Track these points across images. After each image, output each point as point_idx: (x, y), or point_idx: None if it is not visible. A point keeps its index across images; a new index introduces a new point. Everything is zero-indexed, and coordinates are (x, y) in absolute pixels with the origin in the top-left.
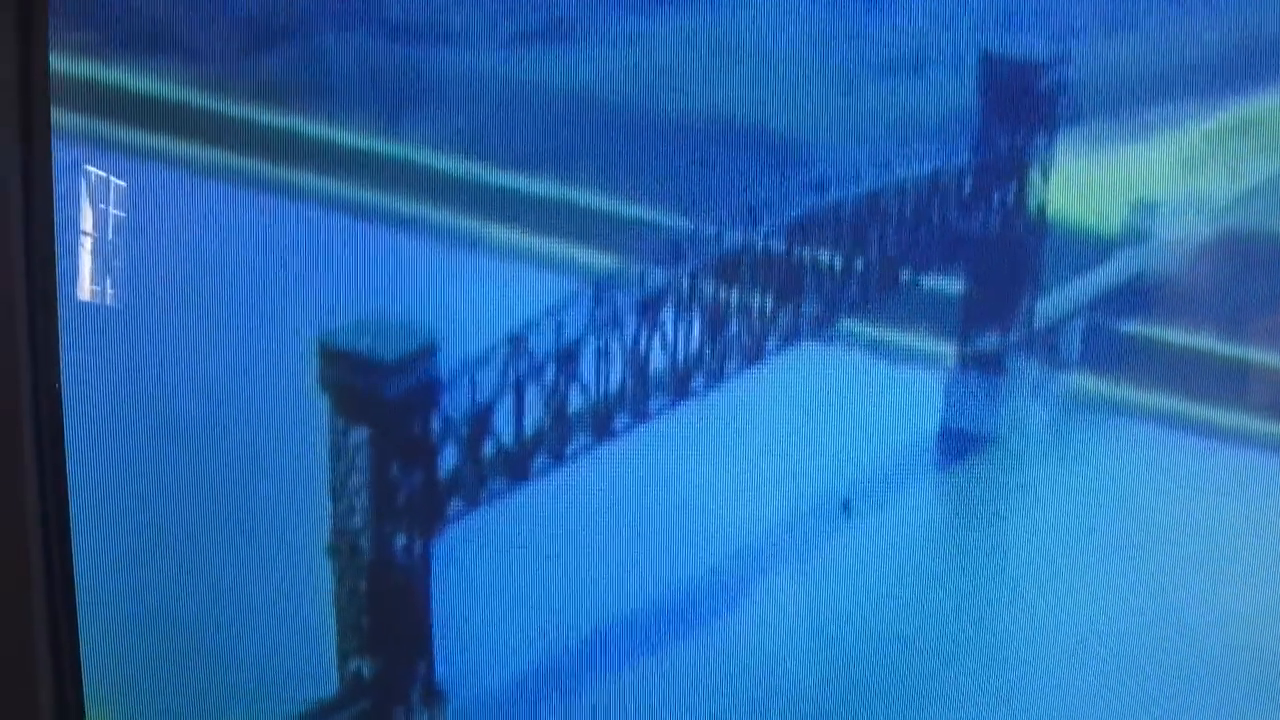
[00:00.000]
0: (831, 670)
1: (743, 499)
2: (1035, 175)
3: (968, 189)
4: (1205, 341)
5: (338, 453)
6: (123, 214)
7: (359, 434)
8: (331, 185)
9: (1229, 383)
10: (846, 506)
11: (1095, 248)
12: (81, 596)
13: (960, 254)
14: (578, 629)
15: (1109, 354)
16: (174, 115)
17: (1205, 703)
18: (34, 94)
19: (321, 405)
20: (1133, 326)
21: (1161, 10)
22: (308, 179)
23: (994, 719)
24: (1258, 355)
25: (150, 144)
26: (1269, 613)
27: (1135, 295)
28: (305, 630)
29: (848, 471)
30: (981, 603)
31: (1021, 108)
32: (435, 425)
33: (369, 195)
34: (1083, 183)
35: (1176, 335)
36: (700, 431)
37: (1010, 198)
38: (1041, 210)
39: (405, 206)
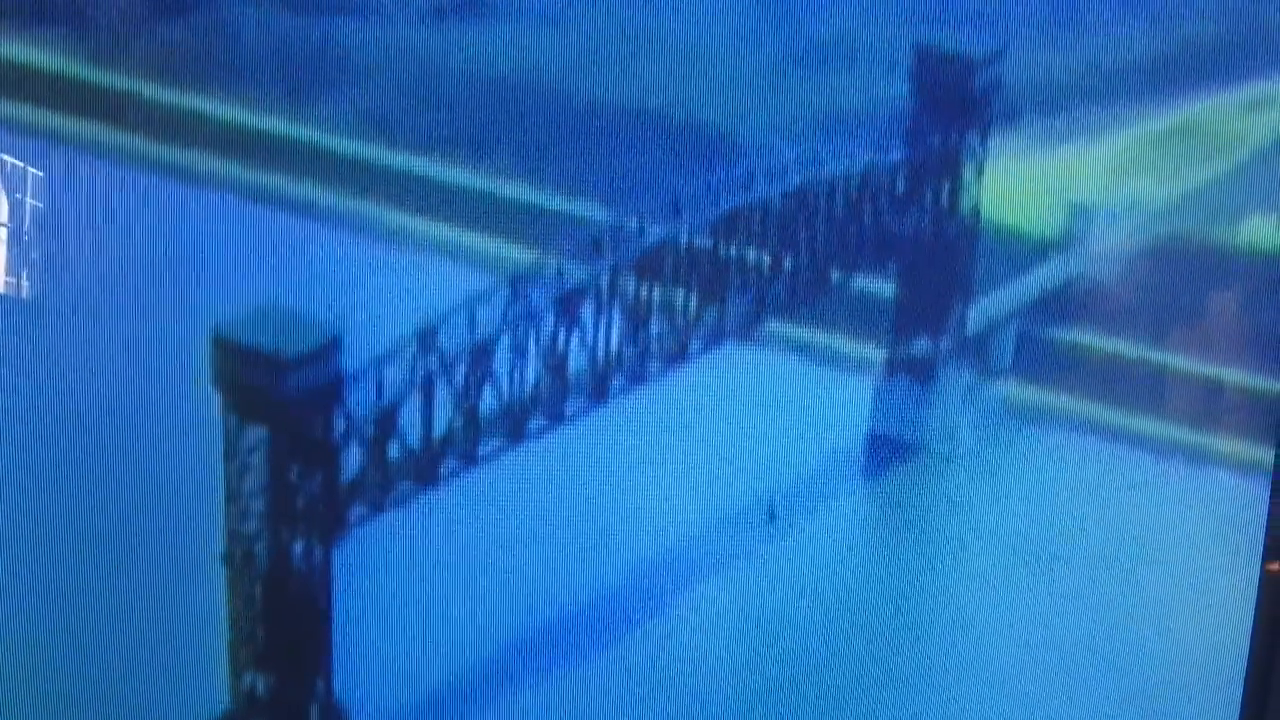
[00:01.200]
0: (755, 680)
1: (664, 506)
2: (969, 175)
3: (900, 188)
4: (1136, 350)
5: (231, 453)
6: (4, 192)
7: (255, 433)
8: (230, 167)
9: (1159, 392)
10: (772, 514)
11: (1028, 252)
12: None
13: (892, 255)
14: (489, 643)
15: (1040, 361)
16: (61, 90)
17: (1131, 704)
18: None
19: (214, 403)
20: (1064, 333)
21: (1100, 10)
22: (204, 160)
23: None
24: (1188, 364)
25: (35, 120)
26: (1191, 616)
27: (1067, 301)
28: (195, 643)
29: (773, 478)
30: (909, 610)
31: (955, 105)
32: (337, 425)
33: (270, 179)
34: (1017, 184)
35: (1108, 343)
36: (619, 435)
37: (943, 198)
38: (975, 212)
39: (309, 191)
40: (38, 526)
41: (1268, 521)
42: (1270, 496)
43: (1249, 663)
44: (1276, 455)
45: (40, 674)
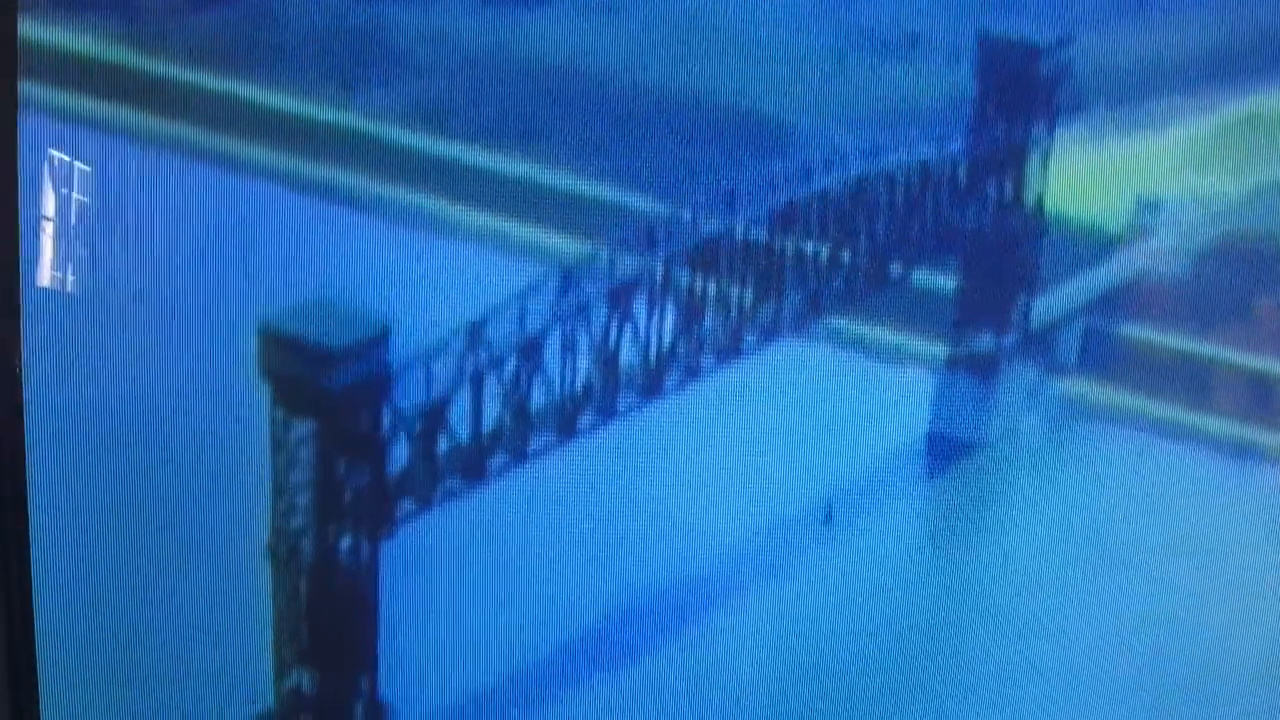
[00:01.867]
0: (808, 688)
1: (718, 505)
2: (1034, 166)
3: (962, 179)
4: (1207, 347)
5: (278, 446)
6: (53, 186)
7: (302, 427)
8: (277, 157)
9: (1230, 391)
10: (829, 515)
11: (1095, 245)
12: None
13: (953, 248)
14: (537, 642)
15: (1107, 358)
16: (106, 77)
17: (1189, 705)
18: None
19: (263, 395)
20: (1133, 330)
21: (1167, 0)
22: (250, 149)
23: None
24: (1261, 363)
25: (80, 108)
26: (1266, 624)
27: (1136, 297)
28: (240, 639)
29: (830, 478)
30: (970, 617)
31: (1020, 94)
32: (385, 419)
33: (318, 169)
34: (1083, 176)
35: (1178, 340)
36: (673, 432)
37: (1007, 190)
38: (1040, 204)
39: (358, 181)
40: (84, 521)
41: None
42: None
43: None
44: None
45: (87, 667)
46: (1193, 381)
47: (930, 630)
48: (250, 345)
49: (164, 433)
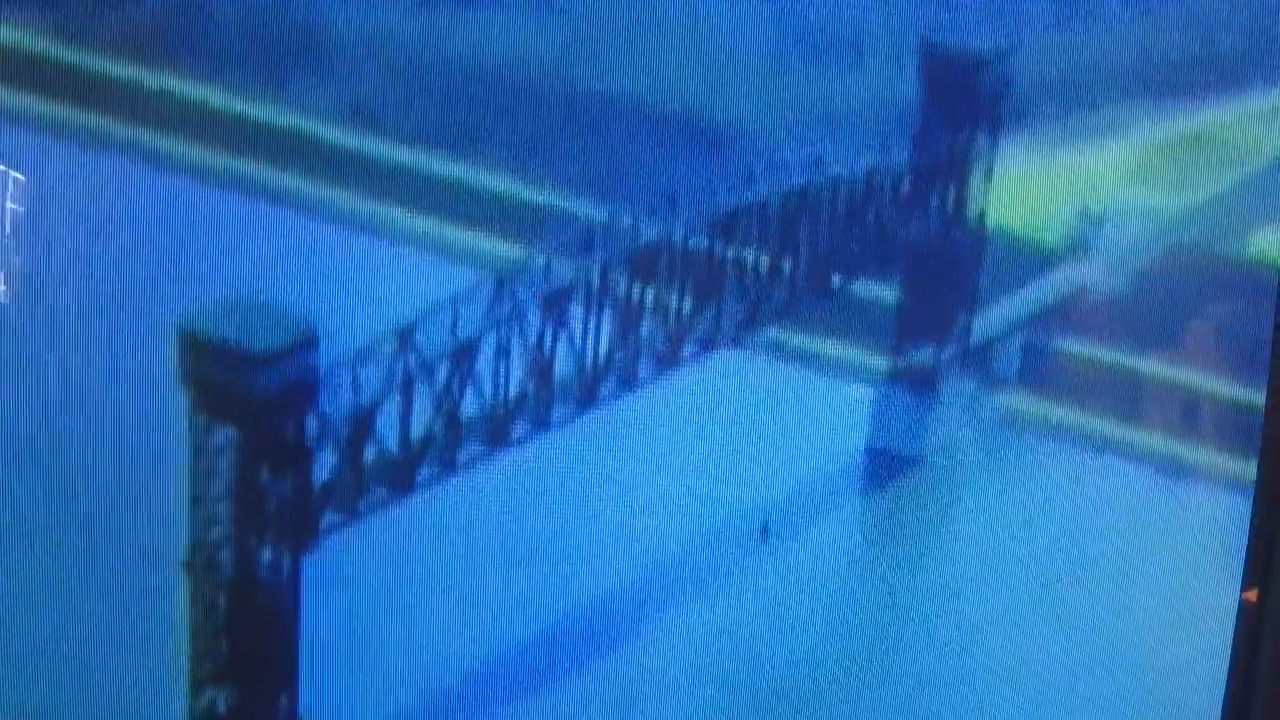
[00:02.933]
0: (743, 708)
1: (651, 519)
2: (976, 178)
3: (905, 190)
4: (1147, 364)
5: (198, 455)
6: None
7: (223, 434)
8: (202, 153)
9: (1169, 408)
10: (764, 530)
11: (1036, 259)
12: None
13: (895, 260)
14: (461, 660)
15: (1046, 373)
16: (23, 67)
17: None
18: None
19: (181, 401)
20: (1073, 345)
21: (1115, 10)
22: (175, 144)
23: None
24: (1198, 380)
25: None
26: (1202, 642)
27: (1077, 312)
28: (154, 655)
29: (767, 492)
30: (910, 635)
31: (964, 104)
32: (310, 426)
33: (244, 166)
34: (1026, 189)
35: (1117, 356)
36: (607, 443)
37: (950, 202)
38: (982, 217)
39: (285, 180)
40: None
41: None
42: (1251, 519)
43: (1227, 686)
44: (1258, 475)
45: None
46: (1132, 398)
47: (869, 649)
48: (170, 348)
49: (75, 441)
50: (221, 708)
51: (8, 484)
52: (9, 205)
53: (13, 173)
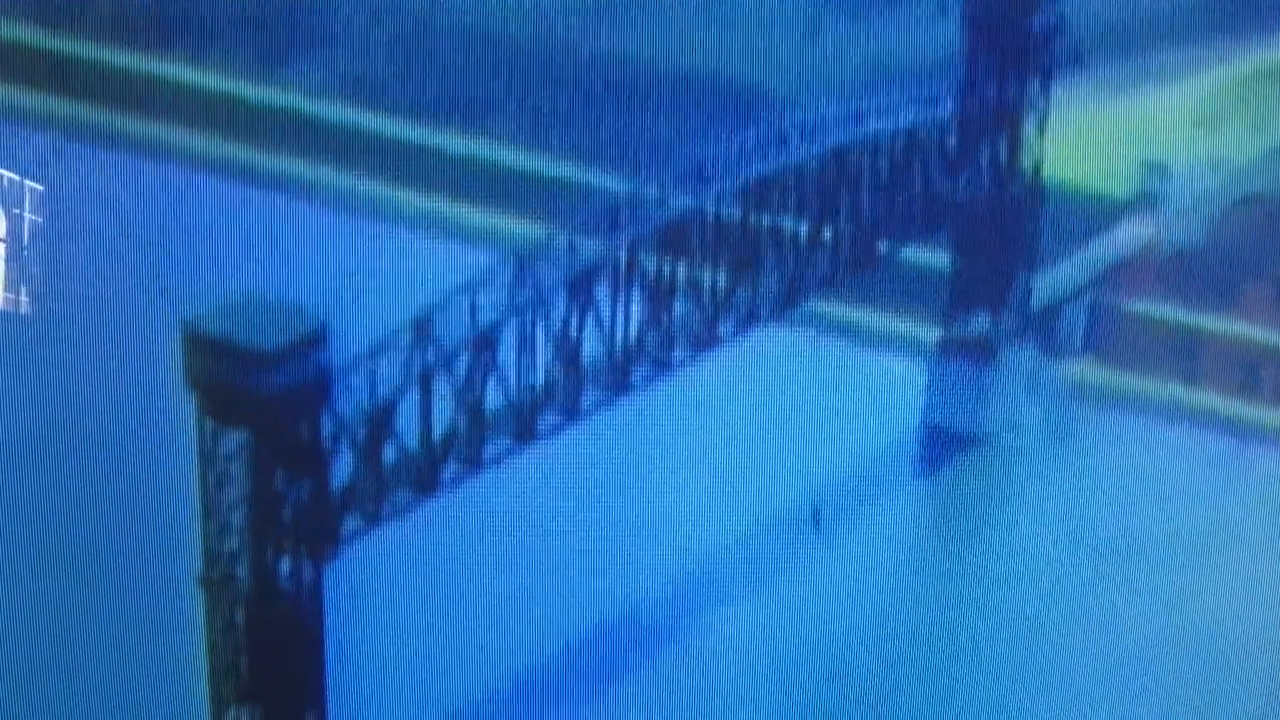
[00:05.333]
0: (799, 708)
1: (694, 512)
2: (1030, 130)
3: (952, 146)
4: (1224, 324)
5: (208, 461)
6: None
7: (234, 438)
8: (198, 139)
9: (1251, 370)
10: (816, 518)
11: (1099, 216)
12: None
13: (945, 222)
14: (499, 670)
15: (1115, 338)
16: (15, 59)
17: (1218, 712)
18: None
19: (189, 405)
20: (1142, 307)
21: None
22: (170, 132)
23: None
24: (1276, 339)
25: None
26: (1275, 606)
27: (1145, 271)
28: (171, 674)
29: (816, 478)
30: (973, 621)
31: (1014, 49)
32: (326, 427)
33: (243, 151)
34: (1084, 139)
35: (1191, 317)
36: (642, 432)
37: (1002, 156)
38: (1037, 171)
39: (287, 165)
40: (7, 564)
41: None
42: None
43: None
44: None
45: (5, 715)
46: (1209, 361)
47: (931, 637)
48: (174, 348)
49: (81, 450)
50: None
51: (20, 498)
52: (28, 216)
53: (29, 183)
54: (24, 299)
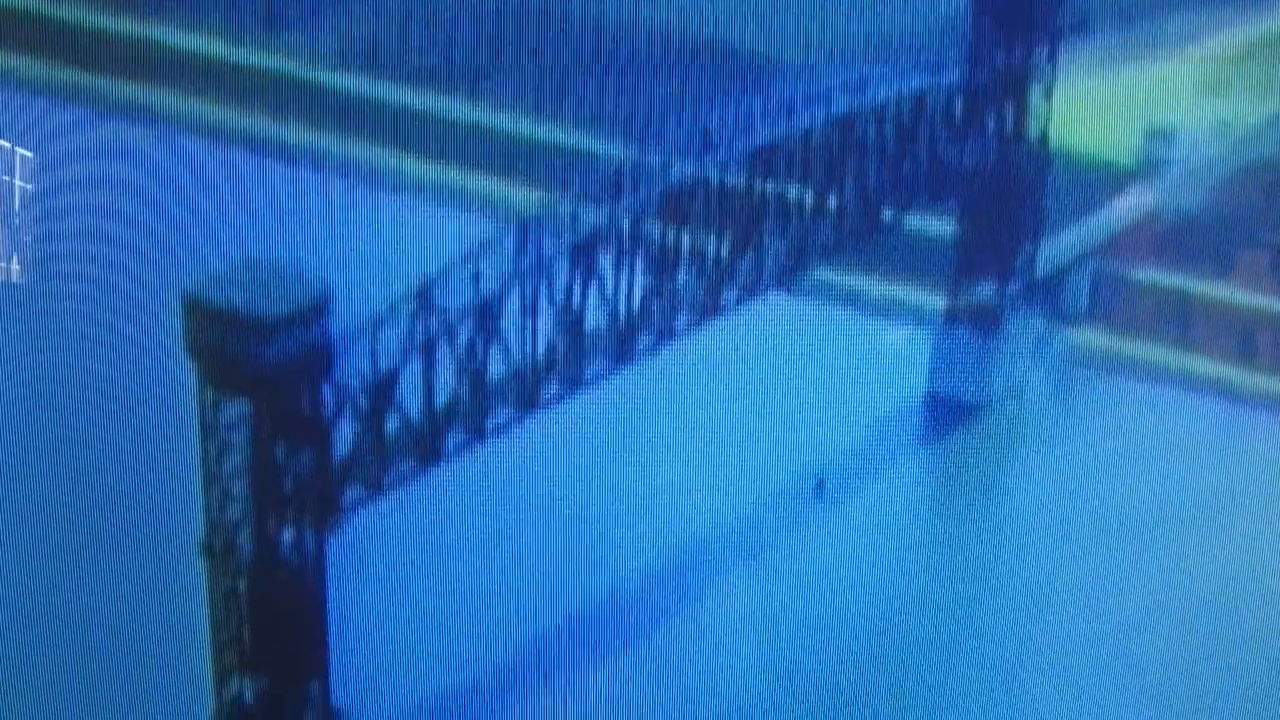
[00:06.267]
0: (802, 678)
1: (698, 481)
2: (1036, 97)
3: (958, 113)
4: (1229, 290)
5: (209, 431)
6: None
7: (235, 408)
8: (197, 106)
9: (1256, 337)
10: (820, 487)
11: (1105, 182)
12: None
13: (951, 190)
14: (502, 639)
15: (1120, 305)
16: (8, 23)
17: (1223, 687)
18: None
19: (189, 374)
20: (1147, 273)
21: None
22: (168, 98)
23: None
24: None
25: None
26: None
27: (1150, 237)
28: (174, 644)
29: (821, 446)
30: (978, 591)
31: (1020, 16)
32: (327, 396)
33: (243, 118)
34: (1090, 105)
35: (1194, 284)
36: (646, 401)
37: (1008, 123)
38: (1043, 138)
39: (288, 131)
40: (8, 534)
41: None
42: None
43: None
44: None
45: (7, 685)
46: (1214, 328)
47: (935, 607)
48: (174, 317)
49: (81, 421)
50: (249, 697)
51: (21, 468)
52: (18, 183)
53: (20, 150)
54: (15, 268)
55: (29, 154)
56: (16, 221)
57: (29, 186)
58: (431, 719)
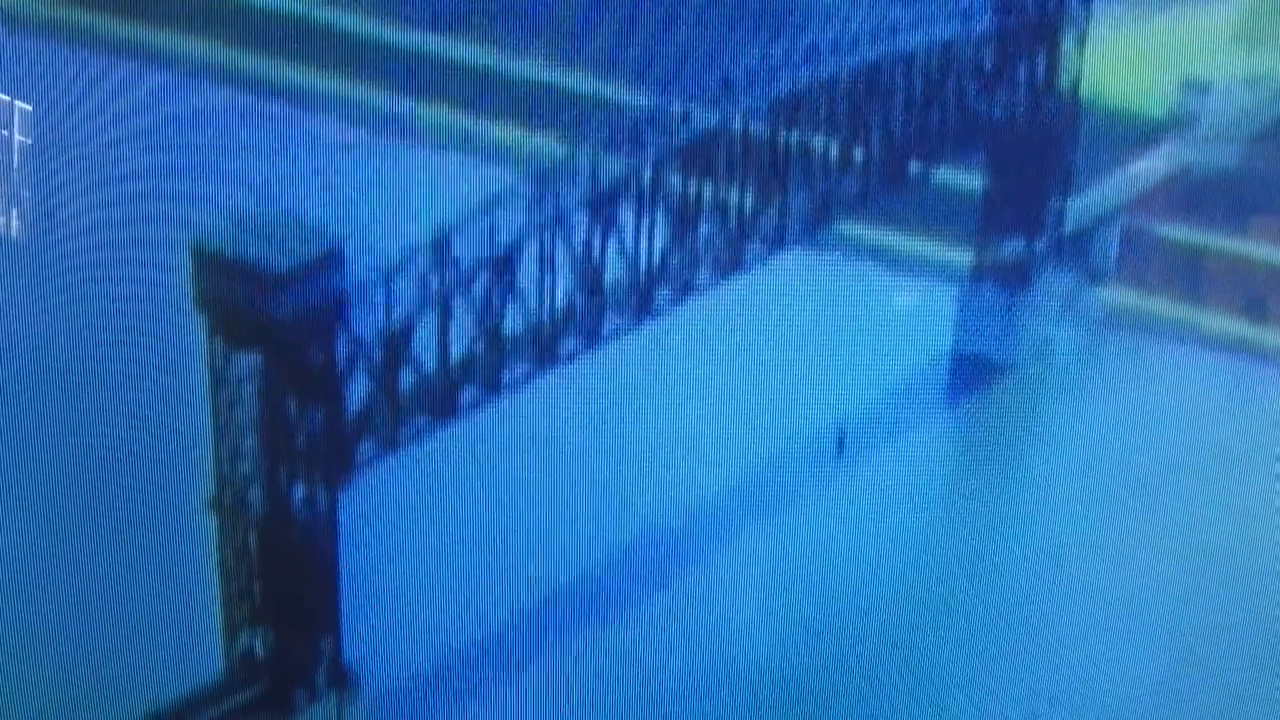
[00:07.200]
0: (817, 640)
1: (717, 437)
2: (1068, 46)
3: (988, 62)
4: (1262, 249)
5: (219, 383)
6: None
7: (246, 360)
8: (206, 48)
9: None
10: (841, 444)
11: (1135, 134)
12: None
13: (979, 142)
14: (516, 598)
15: (1149, 263)
16: None
17: (1247, 642)
18: None
19: (199, 326)
20: (1177, 230)
21: None
22: (177, 40)
23: (1015, 692)
24: None
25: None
26: None
27: (1181, 192)
28: (184, 599)
29: (843, 403)
30: (1001, 552)
31: None
32: (341, 350)
33: (254, 61)
34: (1122, 56)
35: (1228, 241)
36: (665, 356)
37: (1039, 73)
38: (1075, 89)
39: (301, 76)
40: (7, 482)
41: None
42: None
43: None
44: None
45: (16, 641)
46: (1245, 287)
47: (956, 568)
48: (184, 268)
49: (88, 373)
50: (259, 651)
51: (15, 425)
52: (17, 137)
53: (19, 103)
54: (15, 223)
55: (27, 107)
56: (14, 176)
57: (27, 140)
58: (443, 676)
